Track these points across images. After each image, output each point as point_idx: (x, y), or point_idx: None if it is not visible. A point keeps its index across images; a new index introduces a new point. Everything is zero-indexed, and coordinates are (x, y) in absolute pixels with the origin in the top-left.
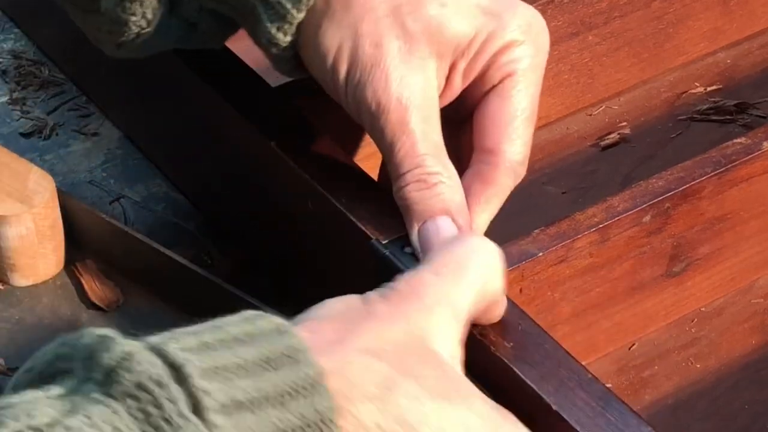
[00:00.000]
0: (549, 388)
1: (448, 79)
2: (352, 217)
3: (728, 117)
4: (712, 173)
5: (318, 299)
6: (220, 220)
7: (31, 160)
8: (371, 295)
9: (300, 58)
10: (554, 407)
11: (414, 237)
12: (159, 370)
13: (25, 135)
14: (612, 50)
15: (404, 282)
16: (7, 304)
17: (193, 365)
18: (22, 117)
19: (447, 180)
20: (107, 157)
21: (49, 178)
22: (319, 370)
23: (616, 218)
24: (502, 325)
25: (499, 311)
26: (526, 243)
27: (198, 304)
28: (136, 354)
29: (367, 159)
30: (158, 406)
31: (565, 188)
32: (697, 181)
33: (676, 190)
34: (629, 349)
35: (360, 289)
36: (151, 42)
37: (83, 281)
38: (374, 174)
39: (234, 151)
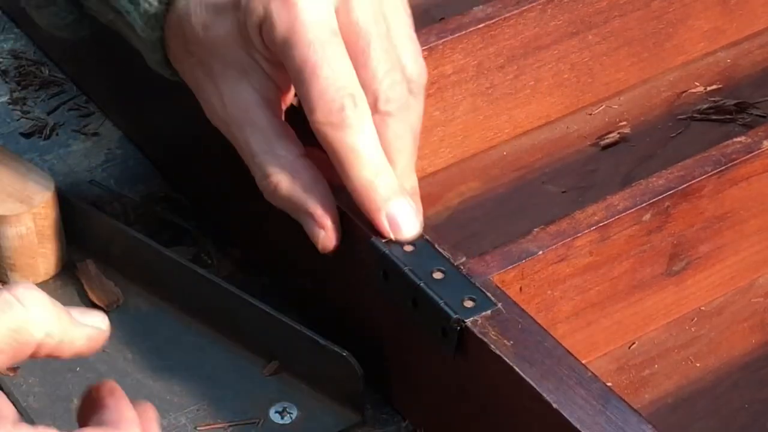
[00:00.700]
0: (549, 387)
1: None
2: (351, 216)
3: (728, 116)
4: (712, 172)
5: (318, 299)
6: (220, 220)
7: (31, 160)
8: None
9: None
10: (554, 405)
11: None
12: None
13: (25, 135)
14: (612, 49)
15: None
16: None
17: None
18: (22, 117)
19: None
20: (107, 157)
21: (49, 178)
22: None
23: (616, 217)
24: (501, 323)
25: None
26: (526, 241)
27: (198, 304)
28: None
29: None
30: None
31: (565, 187)
32: (697, 179)
33: (676, 189)
34: (629, 347)
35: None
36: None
37: (83, 281)
38: None
39: (233, 150)
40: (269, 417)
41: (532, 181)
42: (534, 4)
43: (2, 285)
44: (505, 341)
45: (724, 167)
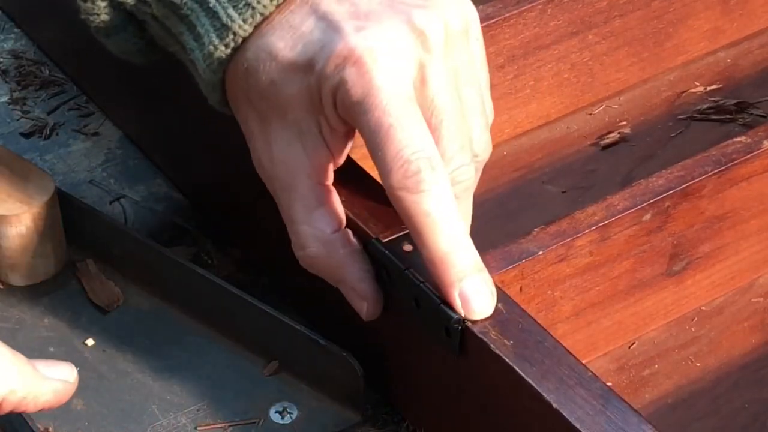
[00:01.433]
0: (549, 387)
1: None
2: (352, 216)
3: (728, 116)
4: (713, 172)
5: (318, 298)
6: (220, 220)
7: (31, 160)
8: None
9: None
10: (554, 405)
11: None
12: None
13: (25, 135)
14: (612, 49)
15: None
16: (7, 304)
17: None
18: (22, 117)
19: None
20: (107, 157)
21: (49, 178)
22: None
23: (616, 217)
24: (502, 323)
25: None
26: (527, 241)
27: (198, 304)
28: None
29: (367, 158)
30: None
31: (565, 187)
32: (698, 179)
33: (677, 189)
34: (629, 347)
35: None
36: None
37: (83, 281)
38: (374, 173)
39: (234, 150)
40: (269, 417)
41: (532, 181)
42: (534, 4)
43: (2, 285)
44: (505, 341)
45: (724, 167)
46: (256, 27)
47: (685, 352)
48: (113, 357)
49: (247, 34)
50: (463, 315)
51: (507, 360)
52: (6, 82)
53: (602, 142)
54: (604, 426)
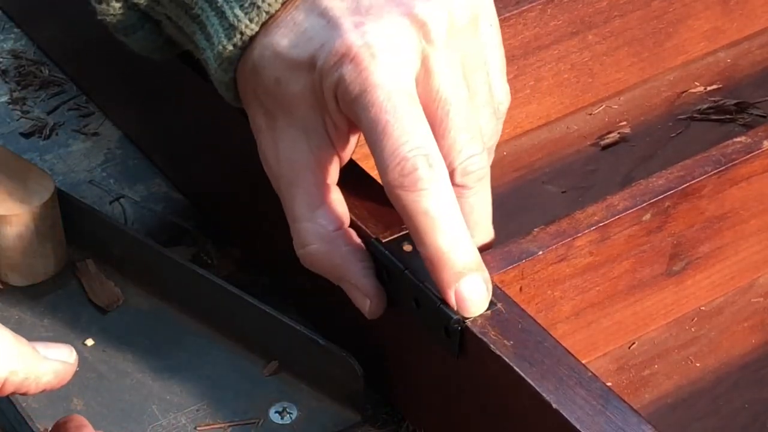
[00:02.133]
0: (549, 387)
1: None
2: (351, 216)
3: (728, 116)
4: (712, 172)
5: (318, 299)
6: (220, 220)
7: (31, 160)
8: None
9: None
10: (554, 405)
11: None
12: None
13: (25, 135)
14: (612, 49)
15: None
16: (7, 304)
17: None
18: (22, 117)
19: None
20: (107, 157)
21: (49, 178)
22: None
23: (616, 217)
24: (501, 323)
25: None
26: (526, 241)
27: (198, 304)
28: None
29: (367, 158)
30: None
31: (565, 187)
32: (698, 179)
33: (676, 189)
34: (629, 347)
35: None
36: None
37: (83, 281)
38: (374, 173)
39: (234, 150)
40: (269, 417)
41: (532, 181)
42: (534, 4)
43: (2, 285)
44: (505, 341)
45: (724, 167)
46: (263, 26)
47: (685, 352)
48: (113, 357)
49: (253, 33)
50: (458, 313)
51: (507, 360)
52: (6, 82)
53: (602, 142)
54: (604, 426)
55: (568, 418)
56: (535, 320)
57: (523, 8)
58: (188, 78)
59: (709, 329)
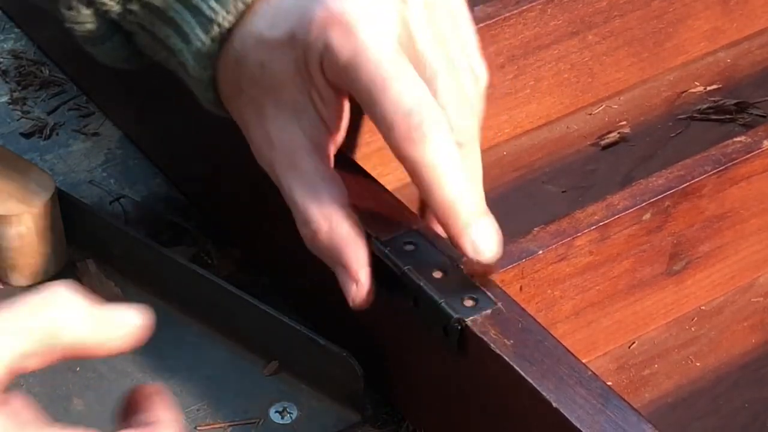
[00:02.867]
0: (549, 386)
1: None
2: None
3: (728, 116)
4: (712, 171)
5: (318, 298)
6: (220, 220)
7: (31, 160)
8: None
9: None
10: (554, 405)
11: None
12: None
13: (25, 135)
14: (612, 49)
15: None
16: None
17: None
18: (22, 117)
19: None
20: (107, 157)
21: (49, 178)
22: None
23: (616, 216)
24: (502, 322)
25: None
26: (527, 241)
27: (198, 304)
28: None
29: (367, 158)
30: None
31: (565, 187)
32: (698, 179)
33: (677, 189)
34: (629, 347)
35: None
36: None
37: (83, 281)
38: (374, 173)
39: (234, 150)
40: (269, 417)
41: (532, 181)
42: (534, 4)
43: (2, 285)
44: (505, 340)
45: (724, 167)
46: (240, 16)
47: (685, 351)
48: (113, 357)
49: (231, 25)
50: (474, 258)
51: (507, 359)
52: (6, 82)
53: (602, 142)
54: (604, 425)
55: (569, 417)
56: (535, 319)
57: (523, 8)
58: None
59: (709, 329)
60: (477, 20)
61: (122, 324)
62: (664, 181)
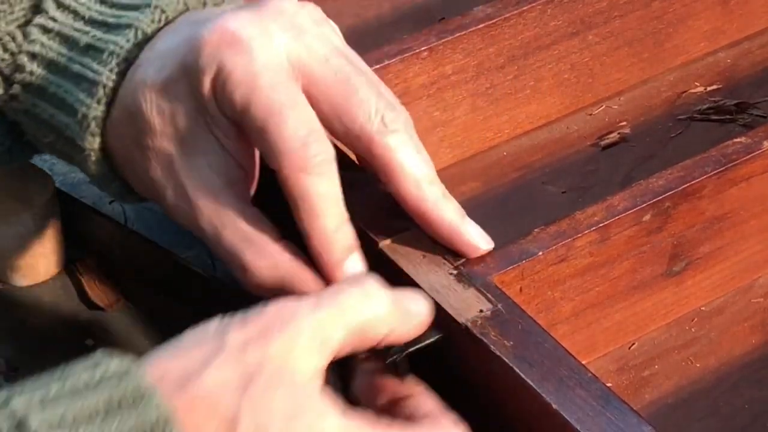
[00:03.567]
0: (549, 387)
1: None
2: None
3: (728, 117)
4: (712, 172)
5: None
6: None
7: (31, 160)
8: (232, 321)
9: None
10: (554, 406)
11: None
12: (2, 423)
13: None
14: (612, 50)
15: (274, 308)
16: (7, 304)
17: (36, 418)
18: None
19: None
20: None
21: (49, 178)
22: (164, 412)
23: (616, 217)
24: (501, 324)
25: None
26: (526, 242)
27: (198, 304)
28: None
29: None
30: None
31: (565, 188)
32: (698, 180)
33: (676, 190)
34: (629, 348)
35: None
36: None
37: (83, 281)
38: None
39: None
40: None
41: (532, 181)
42: (534, 4)
43: (2, 285)
44: (505, 342)
45: (724, 167)
46: (123, 74)
47: (685, 352)
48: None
49: (115, 84)
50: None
51: (507, 361)
52: None
53: (602, 143)
54: (604, 427)
55: (569, 419)
56: (535, 321)
57: (523, 8)
58: None
59: (709, 329)
60: (477, 20)
61: (417, 314)
62: (664, 182)
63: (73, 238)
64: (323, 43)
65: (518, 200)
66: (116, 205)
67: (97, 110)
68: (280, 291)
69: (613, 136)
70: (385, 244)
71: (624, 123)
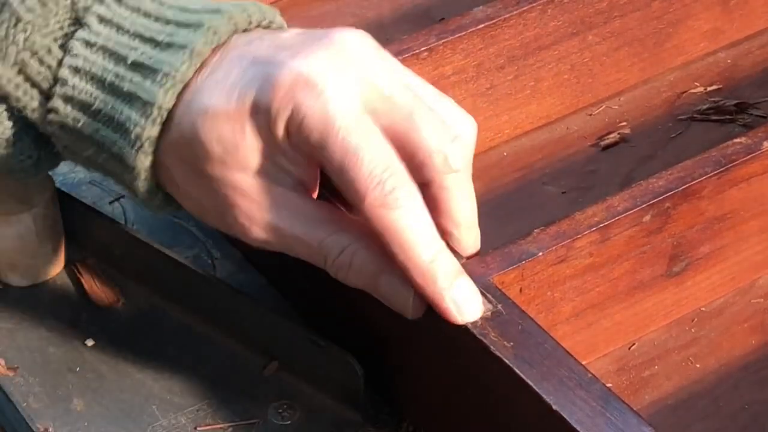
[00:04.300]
0: (549, 388)
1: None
2: None
3: (728, 117)
4: (712, 173)
5: (318, 298)
6: None
7: None
8: None
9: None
10: (554, 407)
11: None
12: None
13: None
14: (612, 50)
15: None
16: (7, 304)
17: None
18: None
19: None
20: None
21: (49, 178)
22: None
23: (616, 218)
24: (501, 325)
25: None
26: (526, 242)
27: (198, 304)
28: None
29: None
30: None
31: (565, 188)
32: (698, 180)
33: (676, 190)
34: (629, 348)
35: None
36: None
37: (83, 281)
38: None
39: None
40: (269, 417)
41: (532, 181)
42: (534, 4)
43: (2, 285)
44: (505, 342)
45: (724, 168)
46: (180, 95)
47: (685, 353)
48: (113, 357)
49: (171, 105)
50: (459, 321)
51: (507, 361)
52: None
53: (602, 143)
54: (604, 427)
55: (568, 420)
56: (535, 321)
57: (523, 8)
58: None
59: (709, 330)
60: (477, 21)
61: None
62: (664, 183)
63: (73, 238)
64: (388, 77)
65: (518, 201)
66: (116, 205)
67: (151, 131)
68: (373, 269)
69: (613, 137)
70: None
71: (624, 123)
